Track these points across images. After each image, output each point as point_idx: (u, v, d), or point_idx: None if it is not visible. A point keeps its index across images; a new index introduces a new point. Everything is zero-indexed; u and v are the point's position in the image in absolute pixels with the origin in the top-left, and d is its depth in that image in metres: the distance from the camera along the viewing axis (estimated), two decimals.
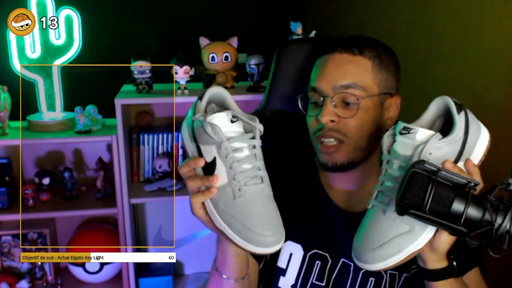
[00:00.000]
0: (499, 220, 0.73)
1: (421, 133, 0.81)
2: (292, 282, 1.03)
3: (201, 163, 0.84)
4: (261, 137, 0.87)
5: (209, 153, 0.84)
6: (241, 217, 0.81)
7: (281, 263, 1.04)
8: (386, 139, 0.86)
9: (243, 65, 1.97)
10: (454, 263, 0.85)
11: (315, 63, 1.03)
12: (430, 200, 0.72)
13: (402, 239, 0.79)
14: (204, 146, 0.84)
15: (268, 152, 1.08)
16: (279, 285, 1.03)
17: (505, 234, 0.73)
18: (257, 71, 1.90)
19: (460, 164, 0.82)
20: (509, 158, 1.45)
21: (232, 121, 0.85)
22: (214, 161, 0.83)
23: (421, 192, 0.73)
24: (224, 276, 0.92)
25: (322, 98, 0.98)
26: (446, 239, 0.80)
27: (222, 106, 0.91)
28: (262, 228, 0.80)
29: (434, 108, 0.87)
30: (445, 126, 0.87)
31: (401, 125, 0.83)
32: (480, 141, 0.85)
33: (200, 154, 0.85)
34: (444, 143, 0.80)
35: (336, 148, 0.98)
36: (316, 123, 1.00)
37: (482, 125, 0.87)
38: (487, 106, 1.58)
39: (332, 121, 0.97)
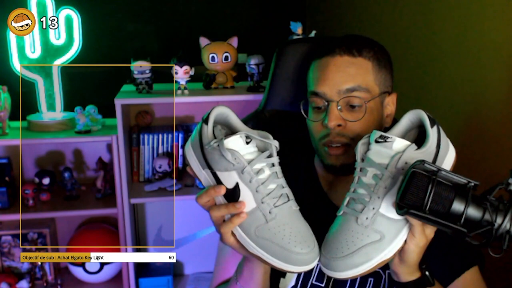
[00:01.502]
0: (499, 220, 0.73)
1: (398, 143, 0.80)
2: (292, 283, 1.03)
3: (223, 191, 0.82)
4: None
5: (229, 179, 0.82)
6: (277, 240, 0.80)
7: None
8: (360, 147, 0.84)
9: (243, 65, 1.97)
10: (427, 272, 0.85)
11: (312, 66, 1.02)
12: (430, 200, 0.72)
13: (373, 247, 0.78)
14: (222, 173, 0.82)
15: None
16: (280, 286, 1.03)
17: (505, 234, 0.73)
18: (257, 71, 1.90)
19: None
20: (509, 158, 1.45)
21: (247, 142, 0.83)
22: (236, 187, 0.81)
23: (421, 192, 0.73)
24: None
25: (326, 103, 0.97)
26: (414, 249, 0.80)
27: (225, 124, 0.90)
28: (300, 246, 0.80)
29: (406, 121, 0.86)
30: (416, 139, 0.87)
31: (377, 133, 0.82)
32: (448, 157, 0.85)
33: (218, 181, 0.83)
34: (419, 154, 0.79)
35: (344, 150, 0.98)
36: (321, 128, 0.99)
37: (450, 143, 0.87)
38: (487, 106, 1.58)
39: (339, 125, 0.96)
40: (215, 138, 0.85)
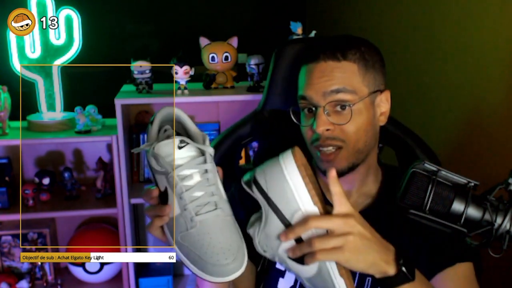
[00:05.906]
0: (499, 220, 0.73)
1: None
2: (291, 283, 1.03)
3: (155, 193, 0.82)
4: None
5: (161, 182, 0.81)
6: (195, 249, 0.78)
7: (280, 264, 1.03)
8: None
9: (243, 65, 1.97)
10: (403, 268, 0.78)
11: (301, 70, 1.02)
12: (430, 200, 0.72)
13: None
14: (157, 175, 0.82)
15: (266, 152, 1.07)
16: (278, 286, 1.03)
17: (505, 234, 0.73)
18: (257, 71, 1.90)
19: None
20: (509, 158, 1.45)
21: (180, 147, 0.80)
22: (165, 190, 0.81)
23: (421, 192, 0.73)
24: None
25: (313, 108, 0.97)
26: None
27: (179, 124, 0.87)
28: (217, 257, 0.77)
29: None
30: None
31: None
32: None
33: (156, 183, 0.83)
34: None
35: (336, 155, 0.98)
36: (311, 132, 0.99)
37: None
38: (487, 106, 1.58)
39: (327, 129, 0.96)
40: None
